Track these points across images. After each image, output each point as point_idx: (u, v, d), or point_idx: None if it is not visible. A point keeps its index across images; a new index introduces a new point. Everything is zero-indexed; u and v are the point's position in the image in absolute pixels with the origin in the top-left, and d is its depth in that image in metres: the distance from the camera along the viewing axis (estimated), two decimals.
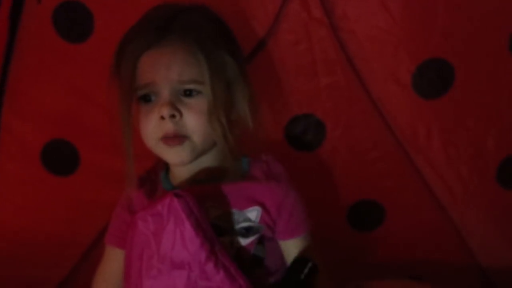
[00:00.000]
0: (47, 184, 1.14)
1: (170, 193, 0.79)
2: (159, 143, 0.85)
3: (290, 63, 1.07)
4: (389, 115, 1.08)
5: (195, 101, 0.84)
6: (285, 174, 0.91)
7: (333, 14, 1.03)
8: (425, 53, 1.03)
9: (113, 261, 0.91)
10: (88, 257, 1.15)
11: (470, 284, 1.17)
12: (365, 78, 1.07)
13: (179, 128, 0.83)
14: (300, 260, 0.81)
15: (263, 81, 1.03)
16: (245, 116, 0.88)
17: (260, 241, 0.85)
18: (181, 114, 0.83)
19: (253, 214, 0.85)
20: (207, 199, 0.85)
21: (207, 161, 0.88)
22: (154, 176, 0.94)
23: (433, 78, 1.05)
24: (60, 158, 1.14)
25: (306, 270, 0.79)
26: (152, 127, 0.84)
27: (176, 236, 0.77)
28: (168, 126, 0.83)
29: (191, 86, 0.83)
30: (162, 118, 0.83)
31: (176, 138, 0.83)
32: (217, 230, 0.82)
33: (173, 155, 0.86)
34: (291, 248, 0.89)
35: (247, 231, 0.85)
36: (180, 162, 0.87)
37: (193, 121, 0.83)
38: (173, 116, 0.82)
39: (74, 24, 1.07)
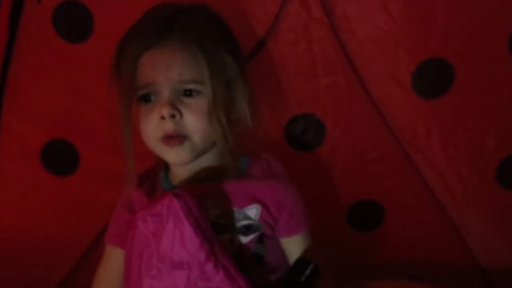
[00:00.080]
0: (47, 184, 1.14)
1: (170, 193, 0.79)
2: (159, 143, 0.85)
3: (290, 63, 1.07)
4: (389, 115, 1.08)
5: (195, 101, 0.84)
6: (285, 173, 0.91)
7: (333, 14, 1.03)
8: (425, 53, 1.03)
9: (113, 260, 0.91)
10: (88, 257, 1.14)
11: (470, 284, 1.17)
12: (365, 78, 1.07)
13: (179, 128, 0.83)
14: (302, 261, 0.81)
15: (263, 81, 1.03)
16: (245, 115, 0.88)
17: (260, 239, 0.85)
18: (181, 114, 0.83)
19: (253, 212, 0.86)
20: (207, 198, 0.85)
21: (207, 160, 0.89)
22: (153, 176, 0.94)
23: (433, 78, 1.05)
24: (60, 158, 1.14)
25: (307, 272, 0.79)
26: (152, 127, 0.84)
27: (175, 236, 0.77)
28: (168, 126, 0.83)
29: (191, 86, 0.84)
30: (162, 118, 0.83)
31: (176, 138, 0.84)
32: (217, 228, 0.83)
33: (173, 155, 0.86)
34: (292, 245, 0.89)
35: (247, 229, 0.85)
36: (180, 162, 0.87)
37: (193, 121, 0.83)
38: (173, 116, 0.82)
39: (74, 24, 1.07)
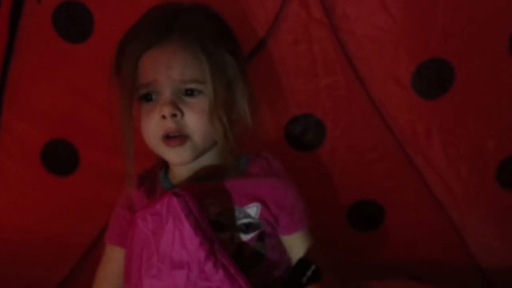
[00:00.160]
0: (47, 184, 1.14)
1: (169, 192, 0.79)
2: (160, 143, 0.85)
3: (290, 63, 1.07)
4: (388, 115, 1.08)
5: (196, 100, 0.84)
6: (284, 171, 0.91)
7: (333, 14, 1.03)
8: (425, 53, 1.04)
9: (113, 260, 0.91)
10: (88, 257, 1.14)
11: (470, 284, 1.17)
12: (365, 78, 1.07)
13: (180, 127, 0.83)
14: (303, 262, 0.80)
15: (263, 81, 1.03)
16: (245, 115, 0.88)
17: (260, 237, 0.86)
18: (182, 113, 0.83)
19: (253, 210, 0.86)
20: (207, 196, 0.85)
21: (207, 160, 0.89)
22: (153, 175, 0.94)
23: (433, 78, 1.05)
24: (60, 158, 1.14)
25: (309, 273, 0.78)
26: (153, 126, 0.84)
27: (175, 235, 0.77)
28: (169, 125, 0.83)
29: (193, 86, 0.84)
30: (164, 117, 0.83)
31: (178, 139, 0.84)
32: (217, 227, 0.83)
33: (174, 155, 0.86)
34: (293, 243, 0.89)
35: (247, 228, 0.85)
36: (181, 162, 0.87)
37: (194, 120, 0.84)
38: (174, 115, 0.83)
39: (74, 24, 1.07)
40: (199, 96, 0.84)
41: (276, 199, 0.87)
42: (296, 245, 0.89)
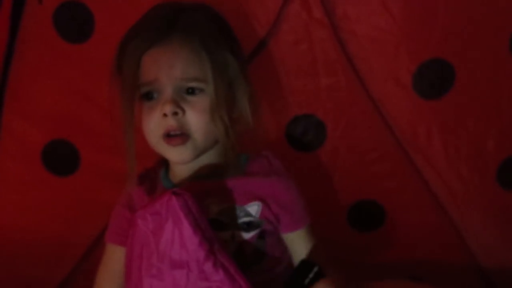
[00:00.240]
0: (47, 184, 1.14)
1: (169, 191, 0.79)
2: (161, 141, 0.85)
3: (290, 63, 1.07)
4: (389, 115, 1.08)
5: (197, 99, 0.84)
6: (284, 169, 0.91)
7: (333, 15, 1.03)
8: (425, 54, 1.04)
9: (113, 259, 0.91)
10: (89, 257, 1.14)
11: (470, 285, 1.17)
12: (365, 78, 1.07)
13: (181, 125, 0.83)
14: (306, 264, 0.80)
15: (264, 82, 1.03)
16: (246, 114, 0.89)
17: (261, 235, 0.86)
18: (183, 111, 0.83)
19: (254, 209, 0.86)
20: (208, 195, 0.85)
21: (208, 158, 0.89)
22: (153, 174, 0.94)
23: (434, 79, 1.05)
24: (60, 158, 1.14)
25: (311, 275, 0.78)
26: (154, 124, 0.84)
27: (174, 235, 0.77)
28: (171, 123, 0.83)
29: (194, 84, 0.84)
30: (165, 115, 0.83)
31: (179, 138, 0.84)
32: (218, 225, 0.83)
33: (175, 154, 0.86)
34: (294, 241, 0.89)
35: (248, 226, 0.85)
36: (182, 161, 0.87)
37: (195, 119, 0.84)
38: (175, 113, 0.83)
39: (74, 24, 1.07)
40: (201, 94, 0.84)
41: (277, 197, 0.88)
42: (297, 243, 0.90)
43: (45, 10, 1.06)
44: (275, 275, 0.87)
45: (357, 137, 1.10)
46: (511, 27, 1.03)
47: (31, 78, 1.10)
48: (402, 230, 1.16)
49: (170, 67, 0.83)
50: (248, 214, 0.86)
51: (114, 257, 0.91)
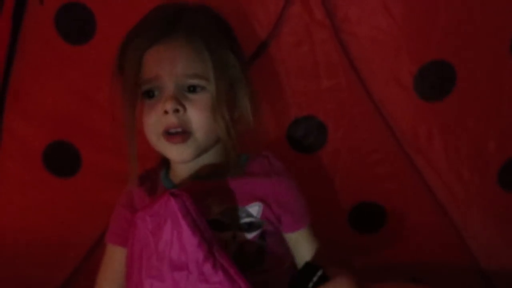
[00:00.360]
0: (48, 185, 1.14)
1: (167, 192, 0.79)
2: (161, 139, 0.85)
3: (292, 65, 1.07)
4: (390, 117, 1.08)
5: (199, 97, 0.84)
6: (285, 170, 0.91)
7: (335, 16, 1.03)
8: (426, 55, 1.04)
9: (114, 260, 0.91)
10: (90, 258, 1.14)
11: (471, 286, 1.17)
12: (366, 80, 1.07)
13: (182, 123, 0.83)
14: (310, 267, 0.79)
15: (265, 83, 1.03)
16: (247, 114, 0.89)
17: (262, 235, 0.86)
18: (185, 109, 0.83)
19: (255, 209, 0.86)
20: (209, 195, 0.85)
21: (209, 158, 0.89)
22: (154, 175, 0.94)
23: (435, 80, 1.05)
24: (61, 159, 1.14)
25: (315, 279, 0.77)
26: (155, 122, 0.84)
27: (173, 236, 0.77)
28: (171, 120, 0.83)
29: (196, 82, 0.84)
30: (166, 112, 0.83)
31: (180, 135, 0.84)
32: (219, 226, 0.83)
33: (176, 153, 0.86)
34: (296, 240, 0.90)
35: (249, 226, 0.85)
36: (183, 160, 0.87)
37: (197, 116, 0.84)
38: (177, 110, 0.83)
39: (76, 25, 1.07)
40: (202, 92, 0.84)
41: (278, 198, 0.88)
42: (299, 243, 0.90)
43: (46, 11, 1.06)
44: (276, 275, 0.87)
45: (358, 139, 1.10)
46: None
47: (32, 79, 1.10)
48: (403, 231, 1.16)
49: (171, 64, 0.83)
50: (249, 215, 0.86)
51: (115, 257, 0.91)
